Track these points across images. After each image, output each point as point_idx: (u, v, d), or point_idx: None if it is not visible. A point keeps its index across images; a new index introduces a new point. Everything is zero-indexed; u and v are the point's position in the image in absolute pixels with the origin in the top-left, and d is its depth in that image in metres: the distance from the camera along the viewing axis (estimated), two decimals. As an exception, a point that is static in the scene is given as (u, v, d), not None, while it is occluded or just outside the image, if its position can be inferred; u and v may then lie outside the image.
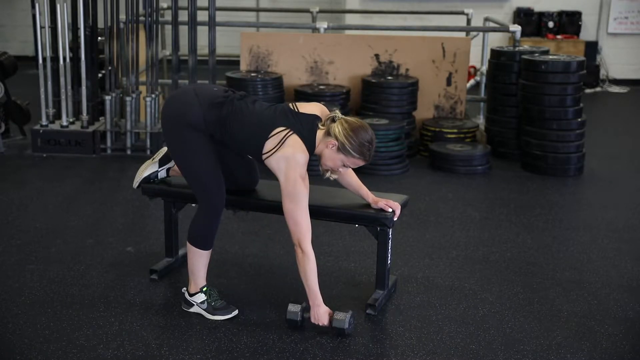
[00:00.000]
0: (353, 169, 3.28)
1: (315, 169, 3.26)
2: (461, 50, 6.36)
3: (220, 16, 6.49)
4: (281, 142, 3.02)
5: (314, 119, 3.10)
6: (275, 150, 3.02)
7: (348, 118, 3.09)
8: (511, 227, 4.55)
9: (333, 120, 3.07)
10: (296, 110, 3.12)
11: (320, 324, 3.12)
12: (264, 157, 3.05)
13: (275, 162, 3.02)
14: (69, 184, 5.25)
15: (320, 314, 3.11)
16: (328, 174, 3.20)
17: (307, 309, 3.17)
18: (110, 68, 6.18)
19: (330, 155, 3.08)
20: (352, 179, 3.34)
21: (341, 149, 3.04)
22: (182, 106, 3.14)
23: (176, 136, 3.14)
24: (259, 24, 8.10)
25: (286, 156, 2.99)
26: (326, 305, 3.12)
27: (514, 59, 6.13)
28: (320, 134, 3.08)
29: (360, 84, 6.27)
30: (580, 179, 5.72)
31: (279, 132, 3.03)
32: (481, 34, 7.56)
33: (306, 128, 3.07)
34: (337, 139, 3.03)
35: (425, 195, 5.14)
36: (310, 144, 3.06)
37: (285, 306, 3.18)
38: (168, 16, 6.93)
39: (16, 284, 3.57)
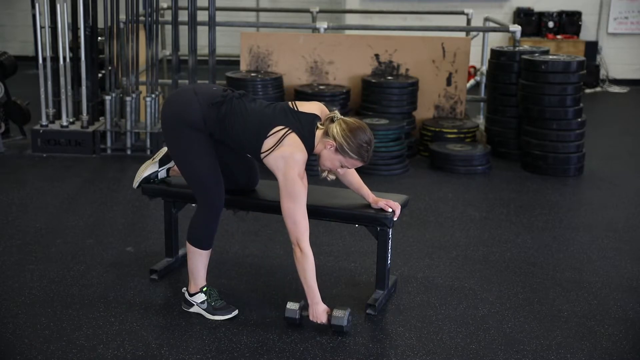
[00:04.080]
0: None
1: (314, 169, 3.26)
2: (461, 50, 6.36)
3: (220, 16, 6.49)
4: (280, 141, 3.01)
5: (314, 119, 3.10)
6: (274, 149, 3.01)
7: (346, 119, 3.08)
8: (511, 227, 4.55)
9: (332, 120, 3.07)
10: (295, 109, 3.11)
11: (319, 322, 3.12)
12: (262, 155, 3.05)
13: (273, 161, 3.01)
14: (69, 184, 5.25)
15: (319, 312, 3.11)
16: (326, 174, 3.20)
17: (305, 307, 3.17)
18: (110, 68, 6.18)
19: (328, 155, 3.08)
20: (353, 178, 3.33)
21: (339, 149, 3.03)
22: (181, 106, 3.14)
23: (176, 136, 3.14)
24: (259, 24, 8.10)
25: (284, 155, 2.99)
26: (325, 304, 3.12)
27: (514, 59, 6.13)
28: (319, 133, 3.08)
29: (360, 84, 6.27)
30: (580, 179, 5.72)
31: (278, 131, 3.02)
32: (481, 34, 7.56)
33: (305, 127, 3.06)
34: (335, 139, 3.02)
35: (425, 195, 5.14)
36: (309, 143, 3.05)
37: (285, 306, 3.18)
38: (168, 16, 6.94)
39: (16, 284, 3.57)
